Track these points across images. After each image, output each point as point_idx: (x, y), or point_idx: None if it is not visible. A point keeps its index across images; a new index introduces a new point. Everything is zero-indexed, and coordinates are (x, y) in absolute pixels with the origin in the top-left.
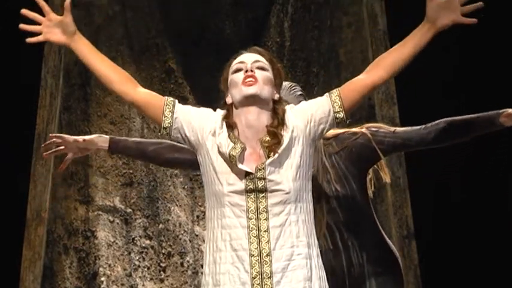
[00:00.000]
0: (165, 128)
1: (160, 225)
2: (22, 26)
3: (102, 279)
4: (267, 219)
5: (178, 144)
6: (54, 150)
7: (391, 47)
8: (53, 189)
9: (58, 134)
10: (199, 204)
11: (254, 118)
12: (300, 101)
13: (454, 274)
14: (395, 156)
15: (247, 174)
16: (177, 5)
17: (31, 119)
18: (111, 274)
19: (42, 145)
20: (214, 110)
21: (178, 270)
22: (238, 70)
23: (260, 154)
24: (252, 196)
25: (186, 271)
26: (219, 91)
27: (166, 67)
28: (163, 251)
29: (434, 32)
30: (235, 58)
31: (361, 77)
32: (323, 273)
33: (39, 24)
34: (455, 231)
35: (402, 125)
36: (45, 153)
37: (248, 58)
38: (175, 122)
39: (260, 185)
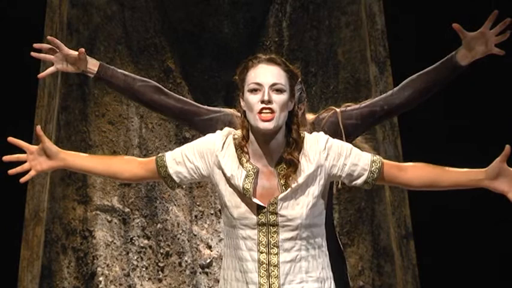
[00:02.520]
0: (171, 187)
1: (159, 225)
2: (11, 171)
3: (100, 279)
4: (277, 254)
5: (166, 89)
6: (43, 56)
7: (389, 47)
8: (51, 189)
9: (56, 40)
10: (198, 204)
11: (268, 140)
12: (300, 93)
13: (452, 274)
14: (393, 156)
15: (259, 207)
16: (175, 5)
17: (29, 119)
18: (109, 274)
19: (34, 45)
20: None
21: (176, 270)
22: (254, 90)
23: (274, 182)
24: (263, 230)
25: (184, 271)
26: (218, 91)
27: (164, 67)
28: (161, 251)
29: (484, 186)
30: (252, 64)
31: (404, 168)
32: None
33: (24, 161)
34: (453, 232)
35: (400, 126)
36: (40, 75)
37: (265, 79)
38: (176, 176)
39: (272, 220)
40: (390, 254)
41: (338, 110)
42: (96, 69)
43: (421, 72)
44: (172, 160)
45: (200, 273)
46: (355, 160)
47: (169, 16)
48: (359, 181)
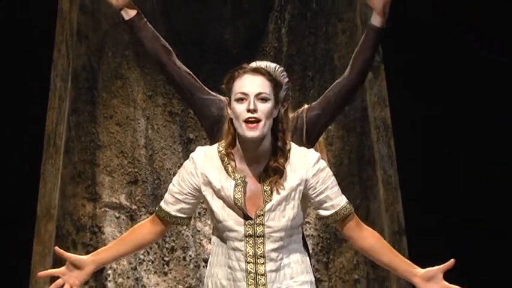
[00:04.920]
0: (186, 224)
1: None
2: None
3: (109, 272)
4: (264, 263)
5: (187, 75)
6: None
7: (382, 53)
8: (61, 187)
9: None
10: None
11: (254, 147)
12: (286, 93)
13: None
14: (386, 156)
15: (246, 217)
16: (179, 12)
17: (41, 121)
18: (117, 267)
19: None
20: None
21: (181, 264)
22: (240, 99)
23: (259, 189)
24: (250, 241)
25: (188, 265)
26: (219, 93)
27: None
28: (166, 246)
29: (415, 284)
30: (238, 74)
31: (363, 228)
32: None
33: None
34: (444, 227)
35: (394, 128)
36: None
37: (251, 89)
38: (181, 214)
39: (259, 231)
40: None
41: (307, 106)
42: (133, 14)
43: (356, 50)
44: (168, 205)
45: (203, 266)
46: (332, 195)
47: (174, 23)
48: (322, 212)
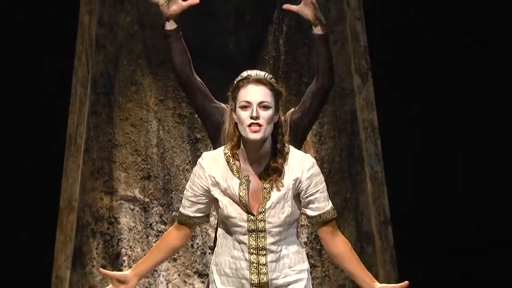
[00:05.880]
0: (207, 221)
1: (174, 213)
2: None
3: (124, 258)
4: (265, 255)
5: (204, 93)
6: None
7: (370, 60)
8: (82, 182)
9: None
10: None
11: (257, 148)
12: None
13: (425, 254)
14: (374, 154)
15: (249, 214)
16: (187, 25)
17: (63, 123)
18: (131, 254)
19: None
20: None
21: (188, 251)
22: (244, 107)
23: (260, 186)
24: (253, 235)
25: (196, 252)
26: (223, 97)
27: None
28: None
29: None
30: (243, 84)
31: (337, 235)
32: None
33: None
34: (427, 218)
35: (380, 128)
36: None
37: (254, 98)
38: (199, 213)
39: (260, 226)
40: (371, 237)
41: (292, 109)
42: (174, 27)
43: (315, 60)
44: (186, 209)
45: (209, 253)
46: (320, 199)
47: (183, 34)
48: (308, 212)
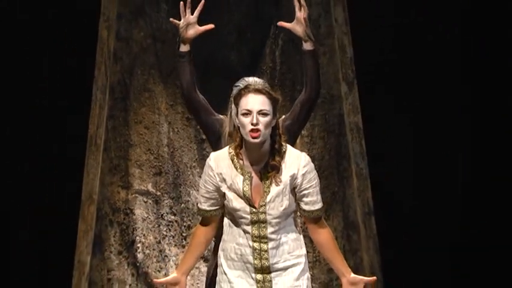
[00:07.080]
0: (223, 212)
1: (182, 205)
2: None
3: (138, 245)
4: (266, 242)
5: (208, 110)
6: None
7: (356, 70)
8: (101, 177)
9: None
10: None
11: (257, 148)
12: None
13: (405, 244)
14: (359, 153)
15: (251, 206)
16: (195, 40)
17: (85, 125)
18: (145, 241)
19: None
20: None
21: None
22: (245, 114)
23: (260, 183)
24: (255, 225)
25: None
26: (226, 104)
27: None
28: (184, 224)
29: (341, 282)
30: (244, 93)
31: (323, 226)
32: (309, 275)
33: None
34: (407, 209)
35: (364, 130)
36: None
37: (254, 106)
38: (215, 206)
39: (262, 218)
40: (356, 226)
41: (283, 116)
42: (187, 49)
43: (304, 73)
44: (202, 204)
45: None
46: (313, 195)
47: (190, 48)
48: (301, 204)
